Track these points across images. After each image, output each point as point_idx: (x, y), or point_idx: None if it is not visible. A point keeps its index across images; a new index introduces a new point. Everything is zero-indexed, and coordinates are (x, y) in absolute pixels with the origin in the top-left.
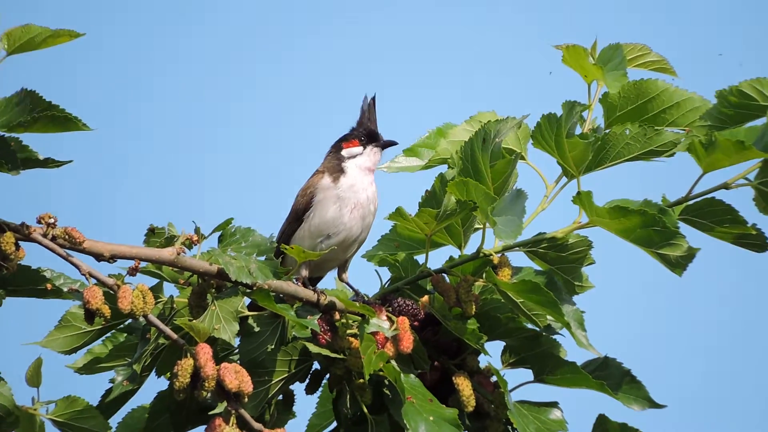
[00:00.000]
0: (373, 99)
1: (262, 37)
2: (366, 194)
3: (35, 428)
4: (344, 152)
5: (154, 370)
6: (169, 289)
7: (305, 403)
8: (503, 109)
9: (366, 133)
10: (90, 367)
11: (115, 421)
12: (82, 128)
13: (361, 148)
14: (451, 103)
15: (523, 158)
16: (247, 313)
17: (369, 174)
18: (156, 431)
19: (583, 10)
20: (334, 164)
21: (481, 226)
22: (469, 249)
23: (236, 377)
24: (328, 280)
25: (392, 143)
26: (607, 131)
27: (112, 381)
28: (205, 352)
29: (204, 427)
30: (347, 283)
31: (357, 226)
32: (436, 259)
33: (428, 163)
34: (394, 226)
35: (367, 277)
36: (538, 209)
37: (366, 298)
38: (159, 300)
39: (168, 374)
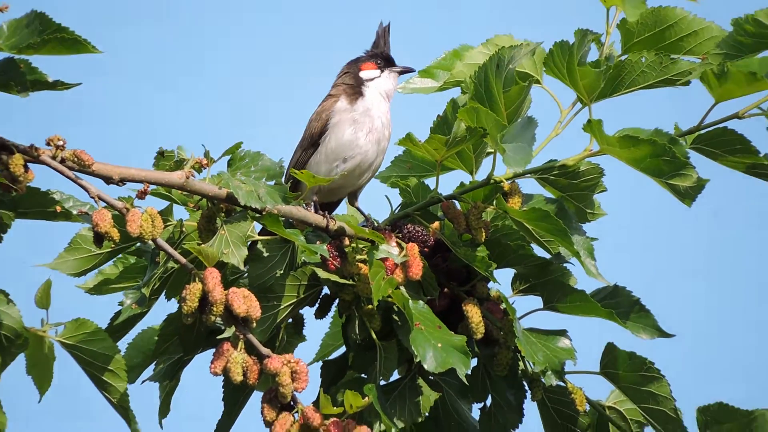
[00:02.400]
0: (388, 25)
1: None
2: (381, 120)
3: (44, 350)
4: (362, 74)
5: (163, 294)
6: (179, 212)
7: (315, 327)
8: (521, 32)
9: (383, 57)
10: (100, 288)
11: (123, 343)
12: (92, 50)
13: (379, 71)
14: (468, 25)
15: (538, 83)
16: (257, 237)
17: (386, 100)
18: (166, 353)
19: None
20: (350, 86)
21: (493, 152)
22: (481, 174)
23: (244, 302)
24: (342, 207)
25: (410, 70)
26: (622, 58)
27: (120, 304)
28: (213, 276)
29: (213, 350)
30: (358, 208)
31: (372, 150)
32: (448, 184)
33: (443, 85)
34: (407, 148)
35: (377, 202)
36: (551, 135)
37: (376, 224)
38: (168, 223)
39: (177, 297)
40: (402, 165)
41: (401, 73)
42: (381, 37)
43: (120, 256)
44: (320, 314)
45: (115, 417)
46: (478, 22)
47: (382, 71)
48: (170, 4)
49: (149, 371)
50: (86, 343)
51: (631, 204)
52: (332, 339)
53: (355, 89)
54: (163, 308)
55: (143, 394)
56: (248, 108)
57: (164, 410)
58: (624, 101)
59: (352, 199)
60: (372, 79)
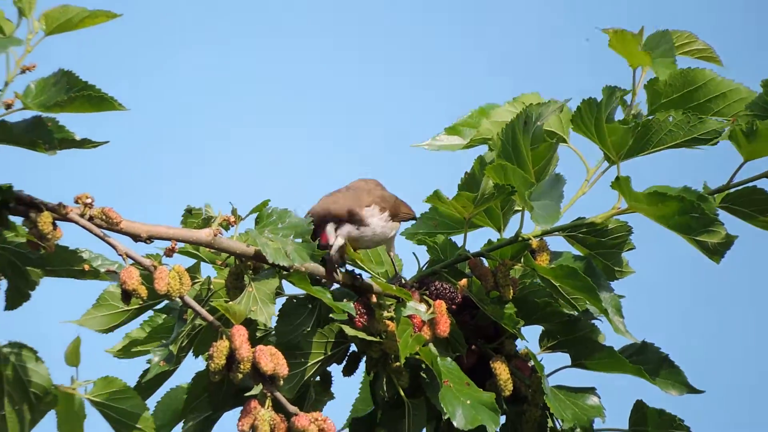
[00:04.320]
0: None
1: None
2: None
3: (74, 407)
4: None
5: (191, 351)
6: (207, 270)
7: (344, 385)
8: (547, 91)
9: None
10: (128, 351)
11: (152, 401)
12: (118, 108)
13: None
14: (494, 84)
15: (564, 141)
16: (285, 294)
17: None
18: (194, 411)
19: None
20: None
21: (521, 209)
22: (509, 232)
23: (271, 359)
24: None
25: None
26: (650, 117)
27: (149, 362)
28: (240, 334)
29: (241, 408)
30: (392, 261)
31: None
32: (475, 241)
33: (469, 142)
34: (434, 205)
35: (405, 259)
36: (578, 193)
37: (404, 281)
38: (196, 281)
39: (205, 355)
40: (429, 222)
41: None
42: None
43: (147, 316)
44: (348, 372)
45: None
46: (503, 82)
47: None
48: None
49: (178, 429)
50: (115, 401)
51: (660, 261)
52: (363, 404)
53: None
54: (191, 366)
55: None
56: (271, 160)
57: None
58: (652, 160)
59: (389, 249)
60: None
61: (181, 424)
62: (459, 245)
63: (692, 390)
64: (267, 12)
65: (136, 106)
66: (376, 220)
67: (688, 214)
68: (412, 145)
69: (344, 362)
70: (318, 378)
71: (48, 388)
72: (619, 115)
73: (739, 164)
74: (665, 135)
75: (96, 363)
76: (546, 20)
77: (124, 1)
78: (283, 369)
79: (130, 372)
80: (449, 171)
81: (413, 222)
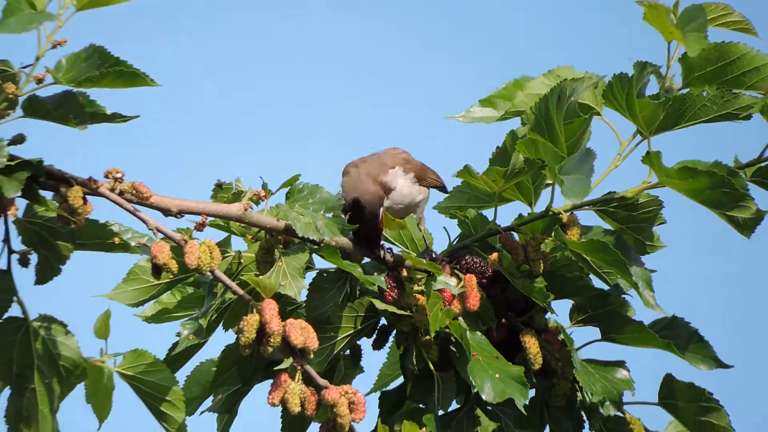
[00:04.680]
0: None
1: None
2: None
3: (103, 379)
4: None
5: (220, 324)
6: (237, 244)
7: (373, 358)
8: (582, 64)
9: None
10: (158, 317)
11: (180, 375)
12: (150, 84)
13: None
14: (528, 57)
15: (598, 114)
16: (315, 268)
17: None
18: (224, 384)
19: None
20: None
21: (552, 183)
22: (539, 206)
23: (301, 333)
24: None
25: None
26: (683, 92)
27: (178, 335)
28: (271, 308)
29: (270, 380)
30: (422, 236)
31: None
32: (506, 215)
33: (504, 114)
34: (465, 180)
35: (436, 234)
36: (611, 167)
37: (434, 255)
38: (226, 255)
39: (235, 328)
40: (460, 196)
41: None
42: None
43: (178, 285)
44: (378, 345)
45: None
46: (538, 55)
47: None
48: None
49: (208, 403)
50: (145, 374)
51: (691, 236)
52: (390, 369)
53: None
54: (220, 339)
55: (202, 425)
56: (303, 130)
57: None
58: (684, 135)
59: (419, 221)
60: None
61: (210, 398)
62: (490, 219)
63: (721, 365)
64: None
65: (166, 81)
66: (402, 182)
67: (719, 189)
68: (447, 117)
69: (374, 336)
70: (348, 352)
71: (78, 362)
72: (654, 88)
73: None
74: (699, 110)
75: (125, 337)
76: None
77: None
78: (313, 342)
79: (159, 345)
80: (483, 144)
81: (444, 194)
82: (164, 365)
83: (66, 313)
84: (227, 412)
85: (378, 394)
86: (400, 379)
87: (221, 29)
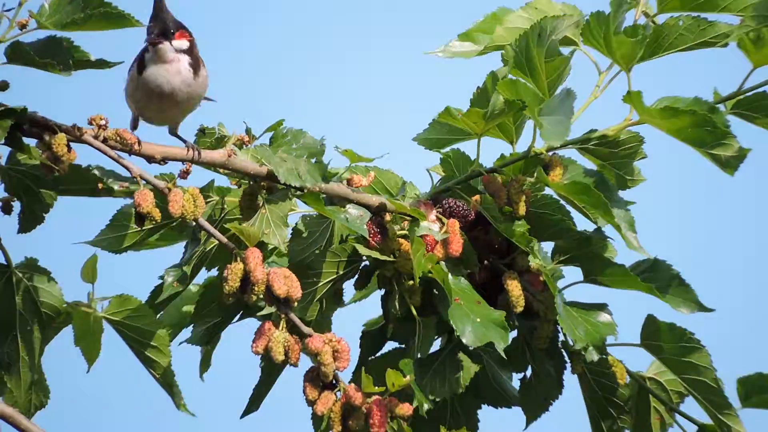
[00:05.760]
0: None
1: None
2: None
3: (91, 324)
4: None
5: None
6: (221, 181)
7: (352, 293)
8: None
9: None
10: (138, 246)
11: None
12: (135, 24)
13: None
14: None
15: (578, 48)
16: (298, 211)
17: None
18: (204, 317)
19: None
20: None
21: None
22: (521, 144)
23: (285, 283)
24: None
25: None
26: (659, 19)
27: (161, 278)
28: (255, 256)
29: (250, 319)
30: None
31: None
32: (488, 152)
33: (484, 49)
34: (447, 120)
35: (419, 174)
36: (589, 99)
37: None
38: (210, 199)
39: (218, 268)
40: (440, 128)
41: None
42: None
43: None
44: (360, 286)
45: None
46: None
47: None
48: None
49: (183, 336)
50: (131, 320)
51: (671, 171)
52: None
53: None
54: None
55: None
56: (289, 80)
57: (205, 365)
58: (662, 63)
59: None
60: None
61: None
62: (472, 159)
63: (703, 308)
64: None
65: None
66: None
67: (701, 128)
68: (425, 52)
69: (356, 277)
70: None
71: (60, 308)
72: (629, 18)
73: (749, 71)
74: (675, 39)
75: (109, 284)
76: None
77: None
78: (296, 292)
79: (141, 287)
80: (464, 79)
81: None
82: (149, 310)
83: (49, 261)
84: (207, 343)
85: (359, 334)
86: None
87: None
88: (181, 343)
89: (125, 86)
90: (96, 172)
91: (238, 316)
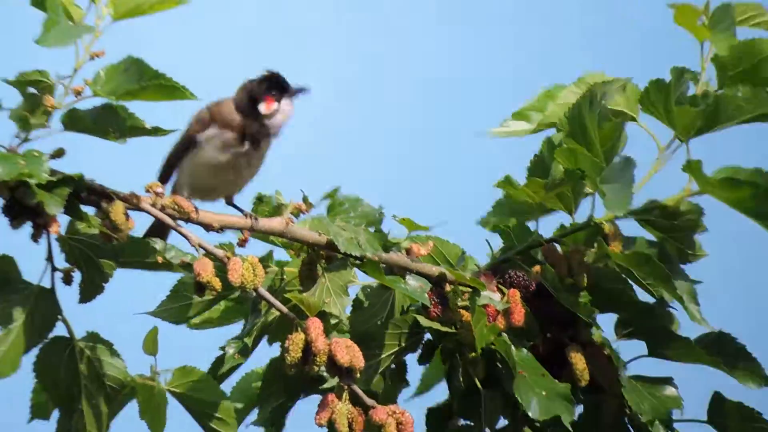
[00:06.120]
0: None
1: None
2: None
3: (155, 396)
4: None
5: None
6: (279, 254)
7: (418, 370)
8: (612, 70)
9: (275, 86)
10: (202, 325)
11: (226, 387)
12: (189, 97)
13: (276, 104)
14: (559, 66)
15: (634, 119)
16: (358, 282)
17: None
18: (270, 397)
19: None
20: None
21: (592, 192)
22: (580, 214)
23: (347, 352)
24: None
25: (302, 91)
26: (718, 92)
27: (221, 349)
28: (316, 326)
29: (315, 396)
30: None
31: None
32: (547, 224)
33: (537, 126)
34: (506, 190)
35: (478, 245)
36: (651, 171)
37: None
38: (269, 270)
39: (280, 341)
40: (501, 209)
41: (293, 97)
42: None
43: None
44: (423, 360)
45: None
46: (569, 63)
47: (279, 102)
48: None
49: (253, 414)
50: (194, 391)
51: (731, 242)
52: (432, 371)
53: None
54: (264, 349)
55: None
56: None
57: None
58: (717, 134)
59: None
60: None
61: (256, 409)
62: (532, 230)
63: None
64: None
65: (203, 92)
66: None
67: (762, 199)
68: (480, 132)
69: (419, 351)
70: (393, 366)
71: (124, 381)
72: (691, 89)
73: None
74: (734, 111)
75: (170, 354)
76: None
77: None
78: (359, 361)
79: (202, 358)
80: (518, 156)
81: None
82: (213, 381)
83: (109, 330)
84: (273, 425)
85: (424, 408)
86: (443, 387)
87: (257, 39)
88: (248, 426)
89: (193, 157)
90: (156, 245)
91: (303, 395)
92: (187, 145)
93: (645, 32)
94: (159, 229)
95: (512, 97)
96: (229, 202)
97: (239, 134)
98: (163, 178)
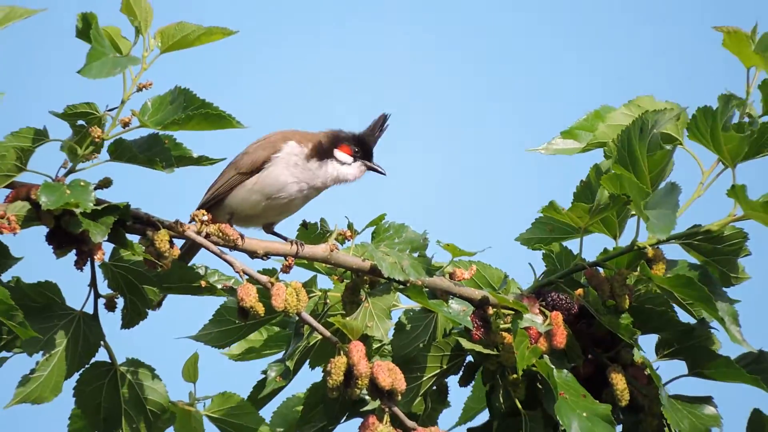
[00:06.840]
0: (386, 117)
1: None
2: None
3: (192, 423)
4: (336, 153)
5: (306, 362)
6: (323, 281)
7: (459, 392)
8: (660, 92)
9: (362, 147)
10: (245, 356)
11: (265, 411)
12: (236, 126)
13: (352, 159)
14: (607, 86)
15: (680, 145)
16: (401, 306)
17: (330, 183)
18: (310, 421)
19: None
20: (318, 150)
21: (636, 216)
22: (624, 238)
23: (389, 375)
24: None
25: (381, 172)
26: (763, 119)
27: (263, 372)
28: (358, 350)
29: (356, 419)
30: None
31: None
32: (590, 245)
33: (586, 146)
34: (551, 215)
35: (520, 268)
36: (694, 196)
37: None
38: (312, 295)
39: (321, 366)
40: (542, 227)
41: (369, 169)
42: (375, 126)
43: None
44: (464, 382)
45: None
46: (616, 83)
47: (355, 160)
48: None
49: None
50: (233, 417)
51: None
52: (474, 402)
53: (321, 154)
54: (304, 375)
55: None
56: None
57: None
58: (763, 161)
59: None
60: (342, 163)
61: None
62: (574, 253)
63: None
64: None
65: (251, 120)
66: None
67: None
68: (528, 149)
69: (460, 373)
70: (434, 388)
71: (165, 406)
72: (735, 116)
73: None
74: None
75: (212, 378)
76: (658, 18)
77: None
78: (401, 384)
79: (244, 382)
80: (564, 173)
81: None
82: (252, 407)
83: (150, 354)
84: None
85: (464, 429)
86: (485, 414)
87: (304, 66)
88: None
89: (252, 182)
90: (200, 270)
91: (344, 418)
92: (250, 169)
93: (686, 55)
94: (189, 251)
95: (552, 117)
96: (270, 231)
97: (312, 152)
98: (206, 206)
